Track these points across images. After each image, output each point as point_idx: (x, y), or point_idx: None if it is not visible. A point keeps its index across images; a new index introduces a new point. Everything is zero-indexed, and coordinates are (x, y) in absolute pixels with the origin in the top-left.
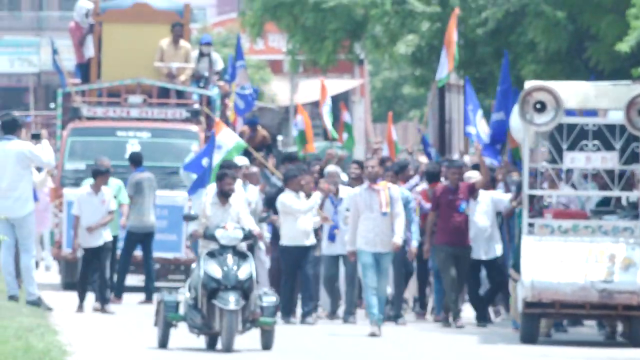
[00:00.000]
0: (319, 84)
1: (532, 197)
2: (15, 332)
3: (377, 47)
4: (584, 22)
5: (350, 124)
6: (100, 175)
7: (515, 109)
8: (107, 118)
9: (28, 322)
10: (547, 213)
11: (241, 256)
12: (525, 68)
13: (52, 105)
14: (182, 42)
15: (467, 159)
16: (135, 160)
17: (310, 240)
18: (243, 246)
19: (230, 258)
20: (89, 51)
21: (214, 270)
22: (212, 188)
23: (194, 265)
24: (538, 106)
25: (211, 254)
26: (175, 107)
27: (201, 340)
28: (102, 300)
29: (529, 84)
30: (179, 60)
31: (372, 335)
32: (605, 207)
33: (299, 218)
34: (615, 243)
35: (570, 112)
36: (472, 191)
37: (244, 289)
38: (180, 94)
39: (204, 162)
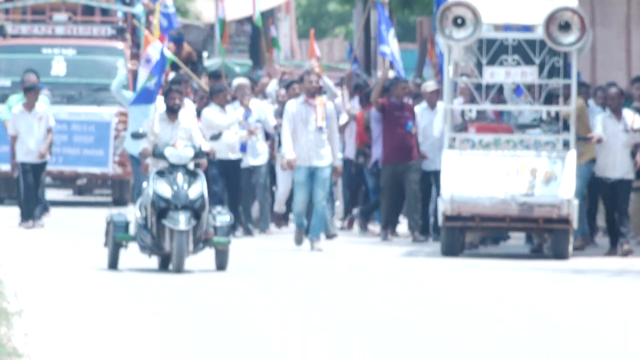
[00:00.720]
0: (243, 1)
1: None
2: None
3: None
4: None
5: (277, 38)
6: (30, 91)
7: None
8: (32, 35)
9: None
10: (470, 127)
11: (192, 175)
12: None
13: None
14: None
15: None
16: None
17: (236, 154)
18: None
19: (180, 177)
20: None
21: (164, 189)
22: (160, 103)
23: (145, 184)
24: (457, 21)
25: (161, 173)
26: (100, 25)
27: (153, 261)
28: (35, 216)
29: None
30: None
31: (298, 242)
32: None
33: (225, 132)
34: (537, 157)
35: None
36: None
37: (195, 208)
38: (104, 12)
39: (152, 82)
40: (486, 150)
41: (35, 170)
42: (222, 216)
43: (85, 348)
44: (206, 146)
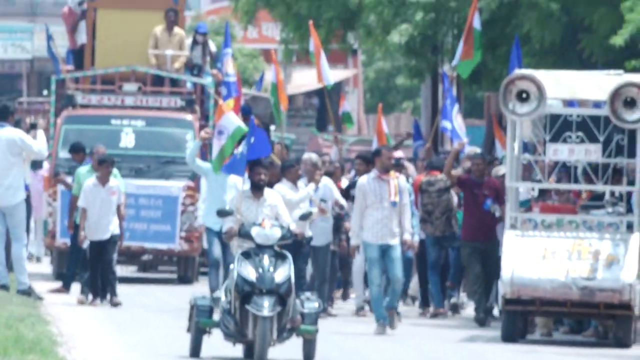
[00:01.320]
0: (311, 74)
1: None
2: (5, 322)
3: (370, 36)
4: (578, 14)
5: (350, 113)
6: (104, 164)
7: None
8: (101, 106)
9: (18, 311)
10: (535, 207)
11: (279, 257)
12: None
13: (45, 92)
14: (176, 29)
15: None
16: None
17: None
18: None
19: (266, 259)
20: (82, 37)
21: (248, 272)
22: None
23: (232, 266)
24: (522, 95)
25: (246, 254)
26: (169, 96)
27: (238, 349)
28: (112, 293)
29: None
30: (173, 47)
31: (379, 334)
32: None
33: (294, 210)
34: (600, 239)
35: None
36: (498, 193)
37: (281, 293)
38: (174, 82)
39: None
40: (548, 232)
41: (103, 248)
42: (311, 302)
43: None
44: (294, 226)
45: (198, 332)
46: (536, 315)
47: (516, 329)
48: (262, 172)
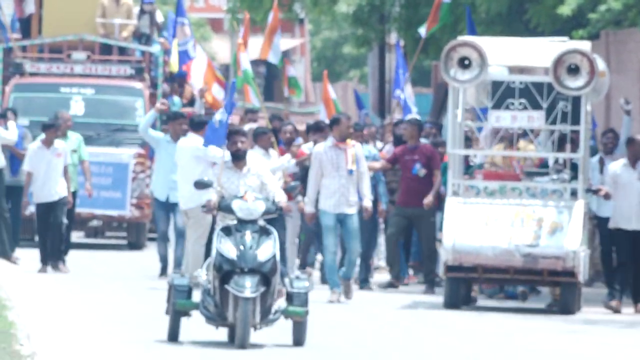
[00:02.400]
0: (258, 42)
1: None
2: None
3: (316, 5)
4: None
5: (296, 78)
6: (49, 128)
7: None
8: (50, 74)
9: None
10: (478, 174)
11: (263, 232)
12: (465, 30)
13: None
14: None
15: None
16: None
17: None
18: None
19: (248, 235)
20: (30, 7)
21: (229, 249)
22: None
23: (213, 243)
24: (464, 62)
25: (226, 230)
26: (118, 64)
27: (222, 333)
28: (57, 257)
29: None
30: (120, 16)
31: (332, 302)
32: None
33: None
34: (543, 206)
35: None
36: (431, 159)
37: (264, 272)
38: (122, 51)
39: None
40: (491, 199)
41: (52, 211)
42: (300, 282)
43: None
44: (282, 198)
45: (176, 314)
46: (478, 282)
47: (459, 295)
48: (238, 140)
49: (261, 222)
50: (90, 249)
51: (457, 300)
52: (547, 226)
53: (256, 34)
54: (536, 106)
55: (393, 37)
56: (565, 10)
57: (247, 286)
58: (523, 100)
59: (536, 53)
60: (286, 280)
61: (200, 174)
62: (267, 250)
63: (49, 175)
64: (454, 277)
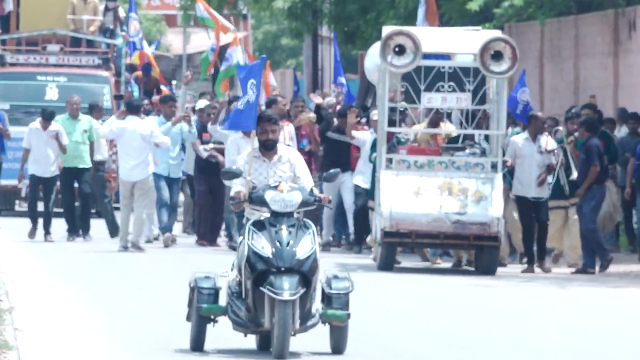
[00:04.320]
0: (208, 35)
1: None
2: None
3: (257, 2)
4: None
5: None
6: (45, 115)
7: (371, 52)
8: (28, 64)
9: None
10: (401, 149)
11: (300, 226)
12: (387, 23)
13: None
14: None
15: None
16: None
17: None
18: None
19: (284, 230)
20: (9, 5)
21: (263, 246)
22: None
23: (240, 239)
24: (398, 49)
25: (259, 225)
26: (87, 55)
27: (251, 340)
28: (48, 231)
29: (388, 29)
30: (88, 13)
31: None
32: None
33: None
34: (467, 178)
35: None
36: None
37: (304, 271)
38: (90, 43)
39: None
40: (421, 171)
41: (45, 186)
42: (340, 282)
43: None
44: (315, 188)
45: (201, 320)
46: (412, 247)
47: (393, 259)
48: (270, 129)
49: (297, 215)
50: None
51: (391, 264)
52: (472, 196)
53: (205, 28)
54: (463, 89)
55: (325, 30)
56: (473, 5)
57: (286, 287)
58: (452, 84)
59: (463, 41)
60: (323, 278)
61: (146, 151)
62: (306, 246)
63: (44, 153)
64: (390, 242)
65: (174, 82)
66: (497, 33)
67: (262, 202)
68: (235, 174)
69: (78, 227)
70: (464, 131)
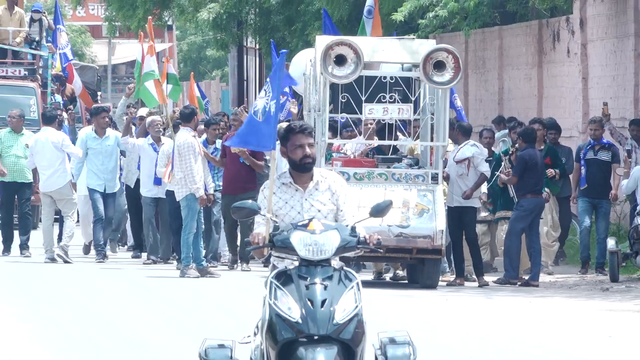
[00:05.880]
0: (132, 47)
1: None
2: None
3: (183, 14)
4: None
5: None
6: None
7: (295, 60)
8: None
9: None
10: (335, 161)
11: (340, 279)
12: (312, 34)
13: None
14: (17, 8)
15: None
16: None
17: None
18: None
19: (318, 284)
20: None
21: (290, 307)
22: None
23: (264, 298)
24: (338, 59)
25: (285, 277)
26: (13, 66)
27: None
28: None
29: (327, 39)
30: (14, 24)
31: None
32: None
33: None
34: (408, 190)
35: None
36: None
37: (345, 339)
38: (16, 54)
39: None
40: (361, 184)
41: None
42: (399, 348)
43: None
44: (362, 230)
45: None
46: (354, 261)
47: None
48: (305, 142)
49: (336, 264)
50: None
51: None
52: (414, 208)
53: (130, 39)
54: (405, 99)
55: (250, 41)
56: (398, 16)
57: None
58: (394, 94)
59: (404, 51)
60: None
61: (60, 160)
62: (347, 305)
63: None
64: None
65: (99, 93)
66: (432, 42)
67: (288, 247)
68: (250, 211)
69: (11, 243)
70: (405, 142)
